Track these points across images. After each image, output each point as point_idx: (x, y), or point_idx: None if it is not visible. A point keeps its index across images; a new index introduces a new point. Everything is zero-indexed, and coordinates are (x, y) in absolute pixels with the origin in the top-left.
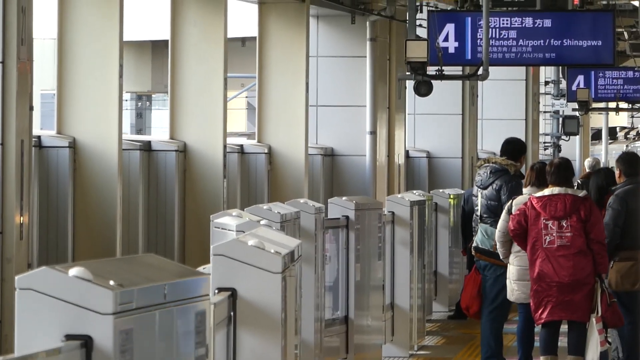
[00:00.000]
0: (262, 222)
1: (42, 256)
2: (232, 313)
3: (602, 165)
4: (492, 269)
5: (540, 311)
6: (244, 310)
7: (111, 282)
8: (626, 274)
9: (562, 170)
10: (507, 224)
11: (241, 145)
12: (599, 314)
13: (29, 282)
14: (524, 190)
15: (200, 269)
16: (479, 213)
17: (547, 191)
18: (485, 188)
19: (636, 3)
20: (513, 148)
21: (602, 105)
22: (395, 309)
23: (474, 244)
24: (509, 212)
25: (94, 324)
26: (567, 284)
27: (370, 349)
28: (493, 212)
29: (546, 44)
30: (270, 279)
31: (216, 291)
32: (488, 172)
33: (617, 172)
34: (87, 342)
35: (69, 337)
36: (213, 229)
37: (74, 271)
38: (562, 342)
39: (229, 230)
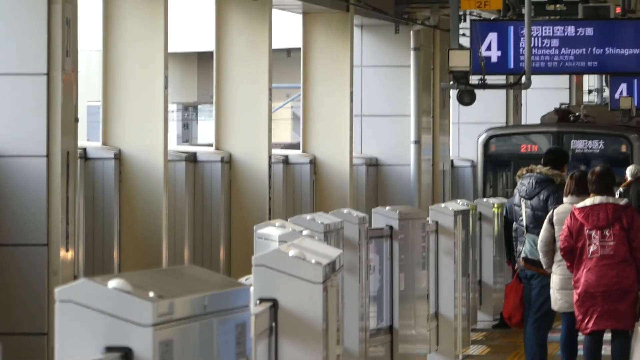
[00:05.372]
0: (304, 232)
1: (88, 268)
2: (273, 324)
3: None
4: (538, 278)
5: (586, 321)
6: (285, 320)
7: (151, 294)
8: None
9: (604, 179)
10: (549, 233)
11: (286, 156)
12: None
13: (69, 294)
14: (565, 199)
15: (243, 279)
16: (524, 223)
17: (588, 201)
18: (530, 198)
19: None
20: (556, 157)
21: None
22: (439, 318)
23: (523, 254)
24: (551, 221)
25: (133, 336)
26: (611, 292)
27: (415, 358)
28: (540, 223)
29: (588, 52)
30: (311, 289)
31: (258, 302)
32: (533, 182)
33: None
34: (127, 354)
35: (109, 349)
36: (256, 240)
37: (113, 283)
38: (606, 350)
39: (271, 240)
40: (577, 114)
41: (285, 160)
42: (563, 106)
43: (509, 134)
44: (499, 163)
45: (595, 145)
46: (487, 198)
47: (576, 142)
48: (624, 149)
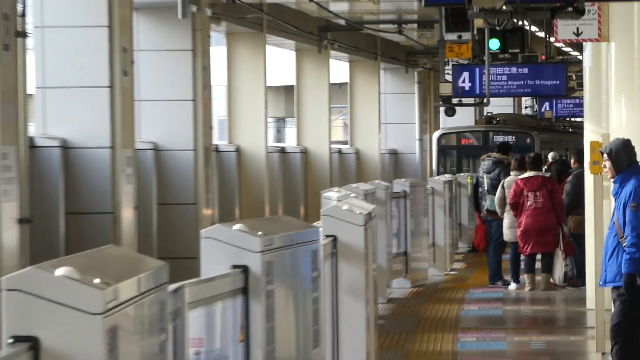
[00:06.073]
0: (352, 195)
1: (221, 218)
2: (334, 250)
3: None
4: (495, 221)
5: (526, 247)
6: (341, 248)
7: (259, 233)
8: (580, 224)
9: (536, 161)
10: (502, 194)
11: (340, 149)
12: (562, 248)
13: (210, 233)
14: (511, 173)
15: (315, 224)
16: (485, 188)
17: (526, 174)
18: (489, 172)
19: (580, 57)
20: (504, 148)
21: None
22: (435, 246)
23: (486, 207)
24: (503, 187)
25: (249, 258)
26: (541, 230)
27: (420, 270)
28: (496, 188)
29: (525, 83)
30: (357, 229)
31: (324, 237)
32: (491, 163)
33: (572, 161)
34: (246, 270)
35: (234, 266)
36: (322, 200)
37: (236, 226)
38: (537, 265)
39: (332, 200)
40: (498, 119)
41: (339, 152)
42: (489, 114)
43: (453, 132)
44: (446, 152)
45: (510, 139)
46: (440, 175)
47: (497, 137)
48: (528, 141)
